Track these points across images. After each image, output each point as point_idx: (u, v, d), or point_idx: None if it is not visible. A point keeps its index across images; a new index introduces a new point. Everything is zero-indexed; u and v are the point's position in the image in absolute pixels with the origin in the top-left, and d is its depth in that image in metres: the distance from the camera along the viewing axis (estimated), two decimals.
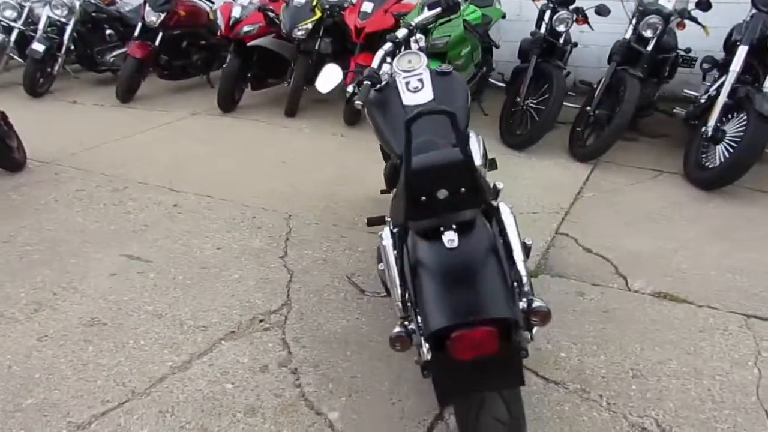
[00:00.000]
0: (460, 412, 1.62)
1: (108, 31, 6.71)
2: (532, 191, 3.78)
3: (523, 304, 1.55)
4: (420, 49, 2.65)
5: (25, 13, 6.63)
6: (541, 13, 4.65)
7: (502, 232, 1.95)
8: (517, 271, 1.88)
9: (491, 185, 2.72)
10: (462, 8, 4.67)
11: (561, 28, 4.49)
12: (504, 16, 5.60)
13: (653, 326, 2.47)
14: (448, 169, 1.49)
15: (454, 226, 1.62)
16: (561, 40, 4.57)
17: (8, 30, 6.64)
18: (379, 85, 2.46)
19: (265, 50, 5.44)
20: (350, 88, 2.45)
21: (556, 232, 3.28)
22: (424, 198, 1.53)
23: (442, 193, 1.52)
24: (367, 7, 4.92)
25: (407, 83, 2.41)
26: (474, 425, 1.59)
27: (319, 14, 5.19)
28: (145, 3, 5.93)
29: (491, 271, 1.54)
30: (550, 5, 4.55)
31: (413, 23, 2.63)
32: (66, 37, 6.34)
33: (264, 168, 4.28)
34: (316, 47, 5.36)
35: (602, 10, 4.44)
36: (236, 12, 5.40)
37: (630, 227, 3.31)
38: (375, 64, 2.51)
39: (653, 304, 2.62)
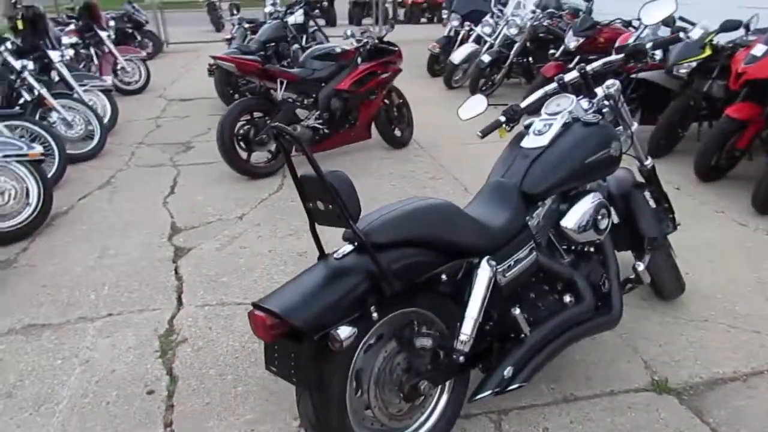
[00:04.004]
0: None
1: (551, 51, 7.39)
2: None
3: (346, 326, 1.61)
4: (608, 96, 2.46)
5: (497, 31, 7.94)
6: None
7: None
8: (460, 327, 1.85)
9: (634, 265, 2.37)
10: None
11: None
12: None
13: None
14: (311, 183, 1.69)
15: (356, 243, 1.78)
16: None
17: (483, 43, 8.11)
18: (525, 122, 2.47)
19: (652, 85, 5.20)
20: (502, 118, 2.51)
21: None
22: (311, 205, 1.76)
23: (320, 204, 1.73)
24: (759, 50, 4.12)
25: (536, 126, 2.36)
26: (298, 406, 1.79)
27: (708, 52, 4.62)
28: (570, 28, 6.35)
29: (337, 289, 1.67)
30: None
31: (588, 68, 2.45)
32: (513, 52, 7.36)
33: None
34: (704, 89, 4.79)
35: None
36: (630, 41, 5.28)
37: None
38: (525, 102, 2.51)
39: None
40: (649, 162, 2.71)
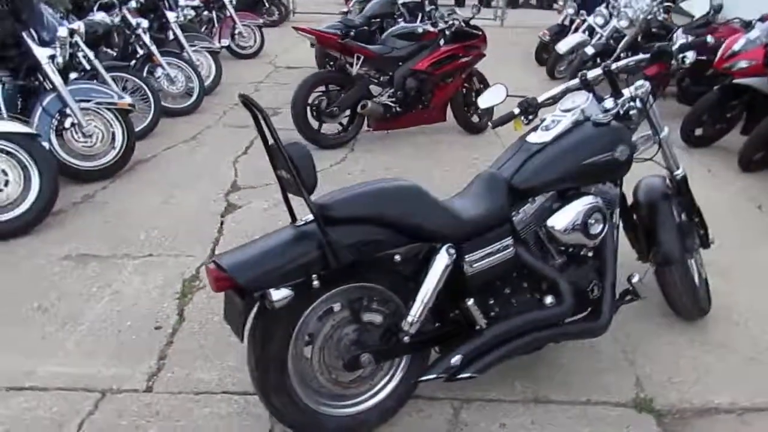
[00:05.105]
0: None
1: None
2: None
3: (283, 288, 1.72)
4: (636, 97, 2.34)
5: (611, 23, 7.51)
6: None
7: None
8: (409, 309, 1.91)
9: (629, 276, 2.29)
10: None
11: None
12: None
13: None
14: (273, 152, 1.79)
15: (310, 217, 1.85)
16: None
17: (594, 34, 7.72)
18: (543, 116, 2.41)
19: (757, 92, 4.75)
20: (516, 110, 2.47)
21: None
22: (278, 172, 1.88)
23: (284, 173, 1.83)
24: None
25: (546, 121, 2.31)
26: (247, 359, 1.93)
27: None
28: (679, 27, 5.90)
29: (285, 254, 1.77)
30: None
31: (613, 66, 2.34)
32: (620, 46, 6.96)
33: None
34: None
35: None
36: (738, 45, 4.83)
37: None
38: (543, 96, 2.45)
39: None
40: (680, 172, 2.54)
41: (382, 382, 2.07)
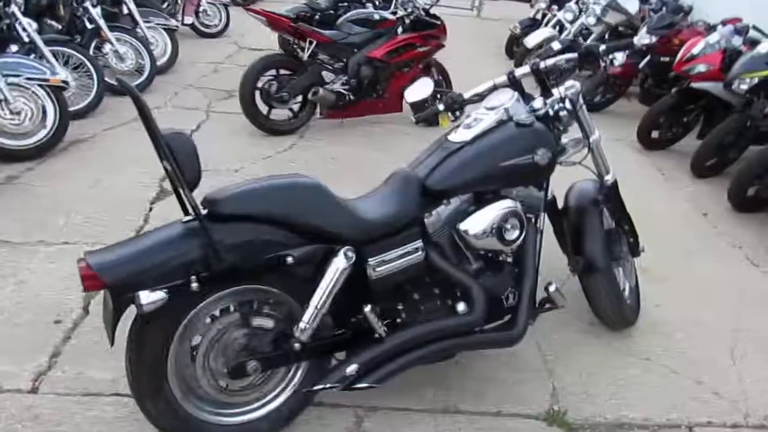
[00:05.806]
0: None
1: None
2: None
3: (157, 291, 1.59)
4: (566, 98, 2.23)
5: (580, 19, 7.43)
6: None
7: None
8: (302, 314, 1.79)
9: (547, 284, 2.20)
10: None
11: None
12: None
13: None
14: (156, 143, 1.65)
15: (203, 210, 1.73)
16: None
17: (562, 28, 7.64)
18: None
19: (714, 97, 4.69)
20: (441, 106, 2.35)
21: None
22: (162, 164, 1.73)
23: (167, 165, 1.69)
24: None
25: (469, 119, 2.20)
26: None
27: None
28: (644, 24, 5.84)
29: (163, 253, 1.64)
30: None
31: (542, 65, 2.23)
32: (586, 43, 6.88)
33: None
34: (766, 110, 4.26)
35: None
36: (697, 48, 4.77)
37: None
38: (469, 92, 2.34)
39: None
40: (610, 177, 2.46)
41: (276, 391, 1.95)
